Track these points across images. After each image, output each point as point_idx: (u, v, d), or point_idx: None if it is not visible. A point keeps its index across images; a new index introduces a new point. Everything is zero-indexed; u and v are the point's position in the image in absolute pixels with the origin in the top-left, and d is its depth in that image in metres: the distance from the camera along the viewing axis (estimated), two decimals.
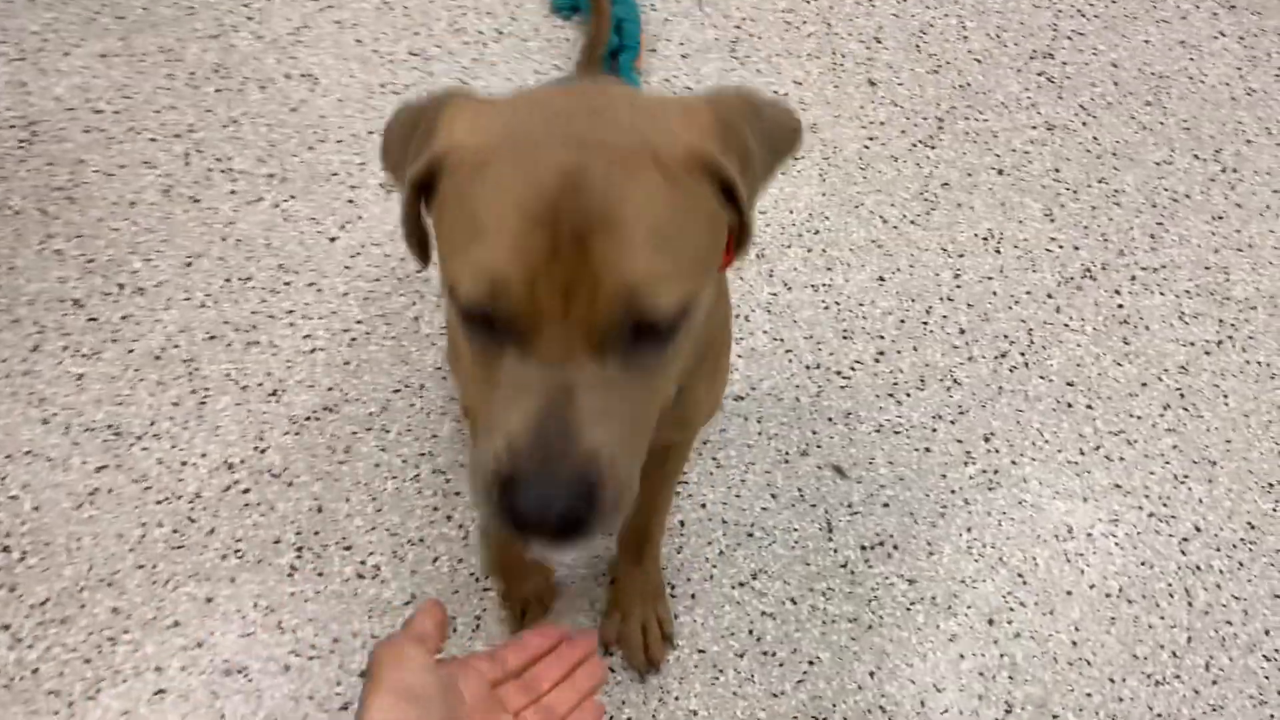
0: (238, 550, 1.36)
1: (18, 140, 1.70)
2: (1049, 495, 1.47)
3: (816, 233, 1.69)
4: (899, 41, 1.93)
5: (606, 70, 1.80)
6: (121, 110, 1.74)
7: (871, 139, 1.80)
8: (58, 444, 1.42)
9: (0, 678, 1.26)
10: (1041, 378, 1.57)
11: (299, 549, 1.37)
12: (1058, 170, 1.79)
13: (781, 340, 1.58)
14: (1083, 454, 1.51)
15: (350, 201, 1.67)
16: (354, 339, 1.54)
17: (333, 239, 1.63)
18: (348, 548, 1.37)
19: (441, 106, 0.68)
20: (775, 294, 1.62)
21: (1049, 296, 1.65)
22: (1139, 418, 1.55)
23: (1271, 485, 1.50)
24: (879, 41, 1.93)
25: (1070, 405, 1.55)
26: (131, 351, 1.50)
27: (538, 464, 0.60)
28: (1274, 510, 1.48)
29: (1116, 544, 1.44)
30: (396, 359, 1.52)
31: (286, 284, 1.58)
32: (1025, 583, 1.40)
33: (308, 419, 1.46)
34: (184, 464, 1.42)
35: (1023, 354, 1.59)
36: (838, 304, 1.62)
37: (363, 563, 1.36)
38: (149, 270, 1.58)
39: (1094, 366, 1.59)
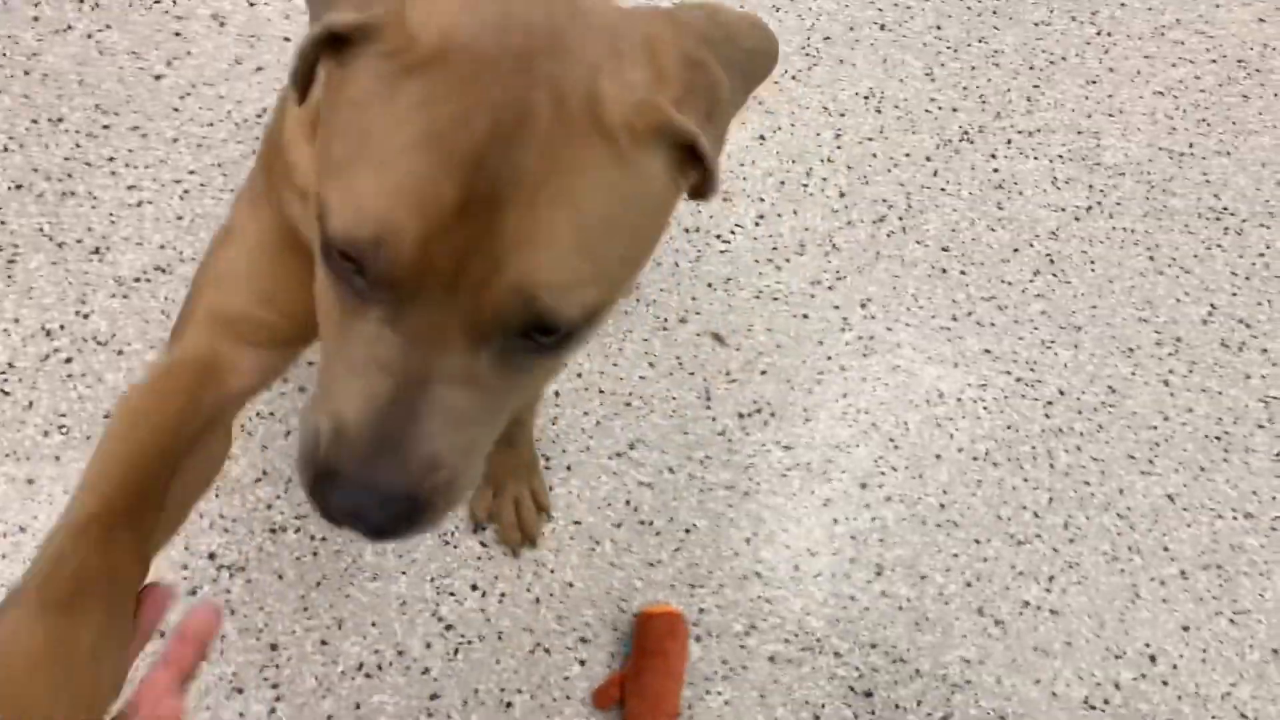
0: (61, 426, 1.23)
1: None
2: (922, 361, 1.47)
3: None
4: None
5: None
6: None
7: None
8: None
9: None
10: (918, 243, 1.55)
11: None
12: (939, 27, 1.74)
13: None
14: (955, 320, 1.51)
15: (177, 34, 1.47)
16: (187, 191, 1.38)
17: (158, 76, 1.44)
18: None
19: None
20: None
21: (927, 159, 1.62)
22: (1010, 284, 1.55)
23: (1131, 350, 1.54)
24: None
25: (945, 271, 1.54)
26: None
27: (362, 461, 0.51)
28: (1133, 374, 1.52)
29: (985, 408, 1.46)
30: None
31: (105, 127, 1.39)
32: (897, 447, 1.41)
33: (137, 280, 1.31)
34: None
35: (900, 219, 1.57)
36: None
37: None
38: None
39: (969, 232, 1.58)
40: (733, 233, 1.50)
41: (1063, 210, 1.62)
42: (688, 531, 1.31)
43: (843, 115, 1.62)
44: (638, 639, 1.20)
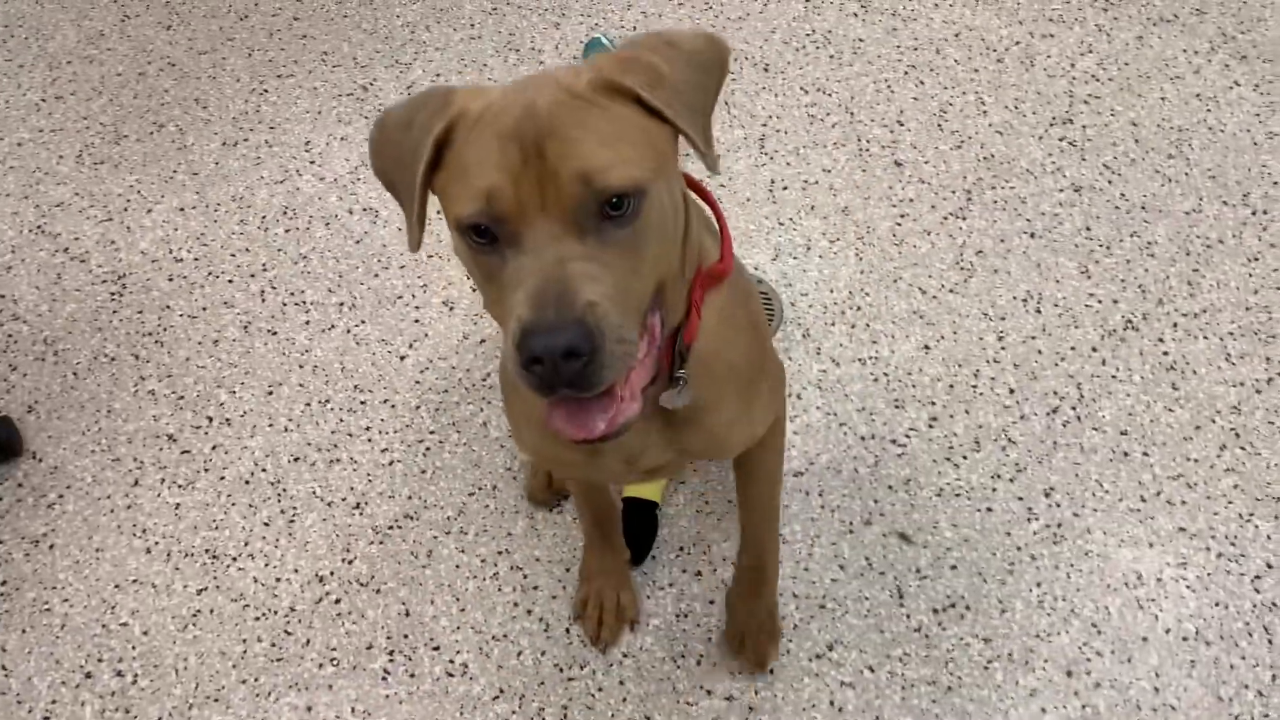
0: (333, 659, 1.43)
1: (109, 293, 1.84)
2: (1114, 544, 1.49)
3: (858, 309, 1.75)
4: (920, 122, 2.02)
5: None
6: (200, 257, 1.89)
7: (903, 216, 1.88)
8: (160, 570, 1.52)
9: None
10: (1095, 429, 1.60)
11: (390, 652, 1.43)
12: (1088, 229, 1.84)
13: (835, 414, 1.63)
14: (1144, 500, 1.53)
15: (416, 321, 1.78)
16: (428, 448, 1.62)
17: (403, 357, 1.73)
18: (436, 648, 1.43)
19: (440, 95, 0.83)
20: (824, 370, 1.68)
21: (1093, 350, 1.69)
22: (1196, 460, 1.57)
23: None
24: (901, 124, 2.02)
25: (1127, 454, 1.58)
26: (223, 479, 1.60)
27: (546, 320, 0.73)
28: None
29: (1188, 587, 1.45)
30: (469, 464, 1.60)
31: (362, 403, 1.68)
32: (1100, 632, 1.41)
33: (390, 528, 1.54)
34: (278, 580, 1.50)
35: (1074, 408, 1.63)
36: (886, 375, 1.67)
37: (451, 661, 1.42)
38: (234, 402, 1.69)
39: (1146, 414, 1.62)
40: (907, 436, 1.61)
41: (1241, 384, 1.64)
42: None
43: (1003, 319, 1.73)
44: None
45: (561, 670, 1.41)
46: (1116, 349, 1.69)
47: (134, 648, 1.45)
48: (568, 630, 1.44)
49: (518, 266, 0.76)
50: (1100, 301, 1.75)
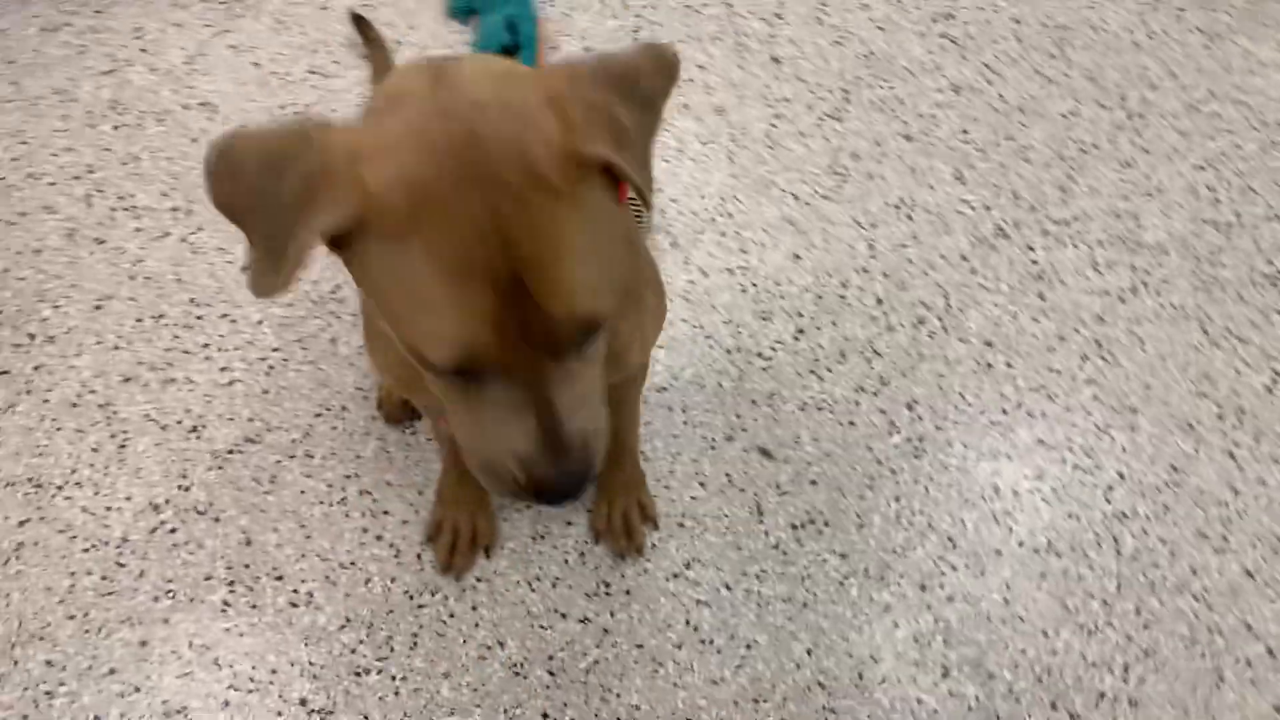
0: (169, 591, 1.36)
1: None
2: (974, 457, 1.49)
3: (730, 215, 1.69)
4: (800, 15, 1.93)
5: None
6: (19, 156, 1.72)
7: (778, 117, 1.80)
8: None
9: None
10: (960, 340, 1.59)
11: (231, 583, 1.37)
12: (965, 131, 1.80)
13: (701, 327, 1.58)
14: (1005, 413, 1.53)
15: None
16: (271, 367, 1.53)
17: (244, 268, 1.62)
18: (279, 578, 1.37)
19: (315, 147, 0.66)
20: (693, 281, 1.62)
21: (963, 258, 1.66)
22: (1058, 372, 1.56)
23: (1191, 425, 1.52)
24: (780, 18, 1.93)
25: (990, 366, 1.57)
26: (47, 401, 1.49)
27: (557, 471, 0.74)
28: (1195, 451, 1.50)
29: (1043, 499, 1.46)
30: (316, 383, 1.52)
31: (199, 318, 1.57)
32: (956, 546, 1.42)
33: (230, 452, 1.46)
34: (108, 509, 1.41)
35: (940, 319, 1.61)
36: (754, 285, 1.62)
37: (295, 591, 1.36)
38: (59, 317, 1.56)
39: (1011, 325, 1.60)
40: (773, 349, 1.57)
41: (1107, 294, 1.63)
42: (749, 647, 1.35)
43: (874, 226, 1.69)
44: None
45: (412, 597, 1.36)
46: (986, 257, 1.67)
47: None
48: (419, 556, 1.39)
49: (499, 397, 0.72)
50: (973, 209, 1.72)
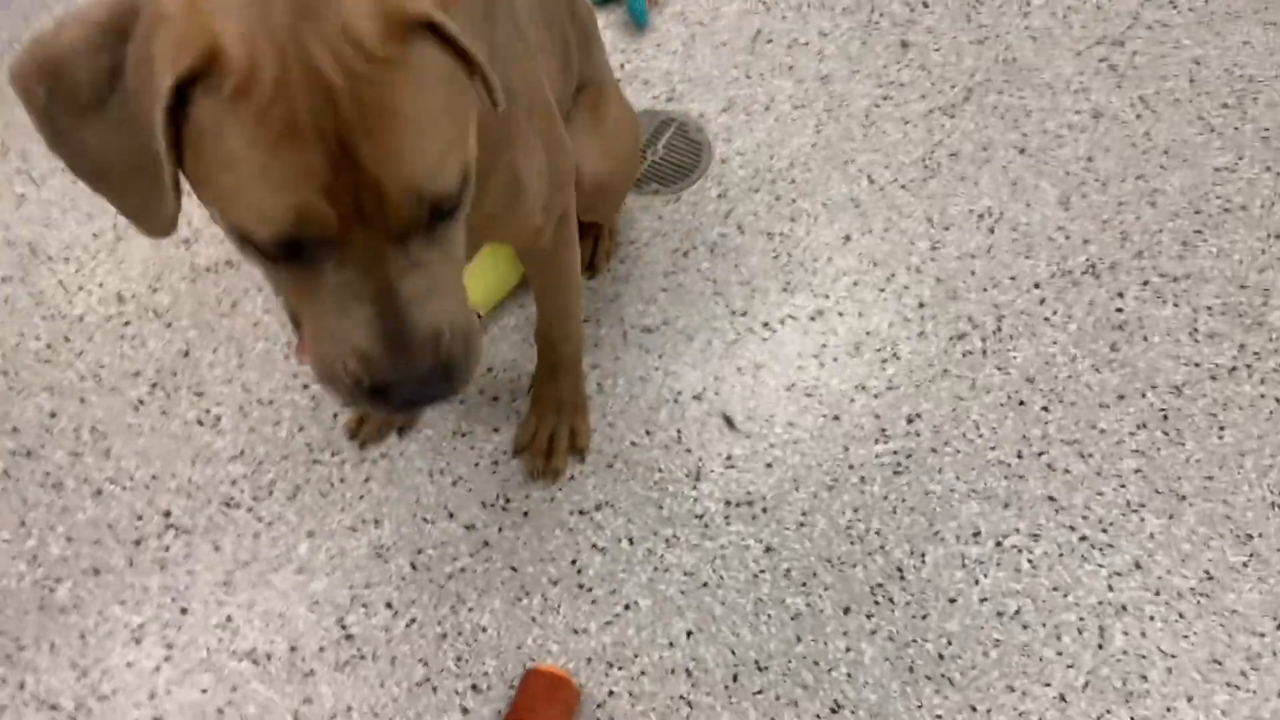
0: (97, 375, 1.36)
1: None
2: (963, 492, 1.27)
3: (792, 181, 1.54)
4: (949, 7, 1.75)
5: None
6: None
7: (886, 99, 1.63)
8: None
9: None
10: (999, 368, 1.36)
11: (153, 385, 1.35)
12: (1090, 159, 1.56)
13: (714, 281, 1.44)
14: (1020, 457, 1.29)
15: None
16: None
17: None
18: (199, 394, 1.34)
19: (145, 6, 0.59)
20: (724, 235, 1.49)
21: (1035, 286, 1.44)
22: (1103, 431, 1.31)
23: (1250, 536, 1.23)
24: (926, 5, 1.76)
25: (1023, 403, 1.34)
26: (75, 184, 1.54)
27: (398, 368, 0.65)
28: (1244, 565, 1.21)
29: (1029, 561, 1.22)
30: None
31: None
32: (903, 579, 1.21)
33: (208, 269, 1.45)
34: (80, 288, 1.43)
35: (984, 340, 1.39)
36: (789, 254, 1.47)
37: (207, 411, 1.33)
38: None
39: (1066, 367, 1.37)
40: (782, 322, 1.40)
41: (1197, 365, 1.36)
42: (627, 608, 1.19)
43: (946, 229, 1.49)
44: (518, 693, 1.09)
45: (311, 450, 1.30)
46: (1063, 291, 1.43)
47: None
48: (335, 415, 1.33)
49: (336, 284, 0.64)
50: (1068, 238, 1.48)
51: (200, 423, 1.32)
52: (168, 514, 1.25)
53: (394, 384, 0.66)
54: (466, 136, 0.65)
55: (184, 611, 1.19)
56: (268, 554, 1.23)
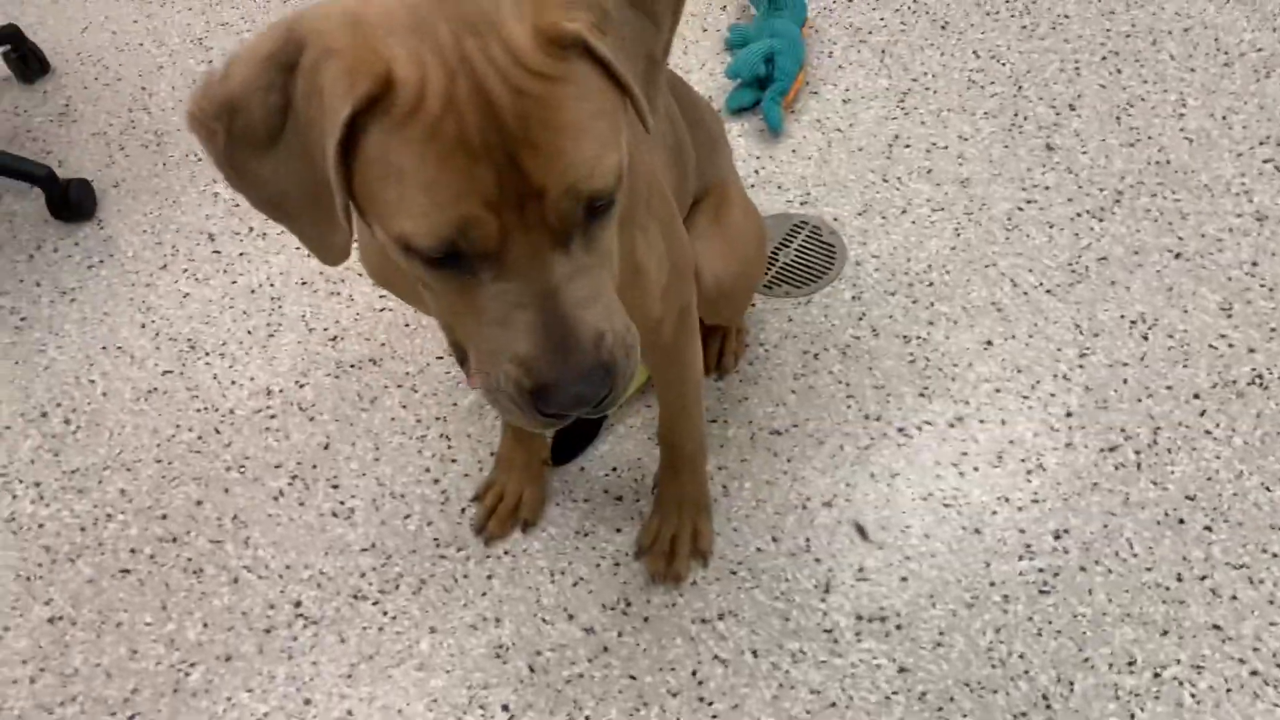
0: (242, 466, 1.41)
1: None
2: (1116, 616, 1.17)
3: (929, 285, 1.50)
4: (1096, 111, 1.70)
5: (752, 101, 1.75)
6: None
7: (1030, 202, 1.59)
8: (143, 345, 1.56)
9: (12, 523, 1.38)
10: (1154, 483, 1.27)
11: (293, 477, 1.39)
12: (1255, 264, 1.47)
13: (847, 384, 1.41)
14: (1179, 580, 1.19)
15: None
16: None
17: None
18: (335, 486, 1.38)
19: (302, 35, 0.61)
20: (858, 338, 1.45)
21: (1195, 397, 1.35)
22: (1275, 555, 1.20)
23: None
24: (1073, 109, 1.71)
25: (1182, 521, 1.24)
26: (235, 283, 1.63)
27: (560, 367, 0.66)
28: None
29: (1192, 695, 1.11)
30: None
31: None
32: (1049, 707, 1.12)
33: (352, 366, 1.50)
34: (233, 382, 1.50)
35: (1138, 452, 1.30)
36: (926, 359, 1.42)
37: (341, 503, 1.36)
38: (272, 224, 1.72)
39: (1231, 485, 1.26)
40: (919, 428, 1.35)
41: None
42: None
43: (1096, 335, 1.42)
44: None
45: (439, 545, 1.31)
46: (1227, 403, 1.34)
47: (89, 403, 1.50)
48: (463, 510, 1.34)
49: (499, 292, 0.66)
50: (1231, 346, 1.39)
51: (335, 514, 1.35)
52: (298, 604, 1.27)
53: (555, 383, 0.66)
54: (620, 139, 0.66)
55: (307, 702, 1.20)
56: (390, 648, 1.23)
